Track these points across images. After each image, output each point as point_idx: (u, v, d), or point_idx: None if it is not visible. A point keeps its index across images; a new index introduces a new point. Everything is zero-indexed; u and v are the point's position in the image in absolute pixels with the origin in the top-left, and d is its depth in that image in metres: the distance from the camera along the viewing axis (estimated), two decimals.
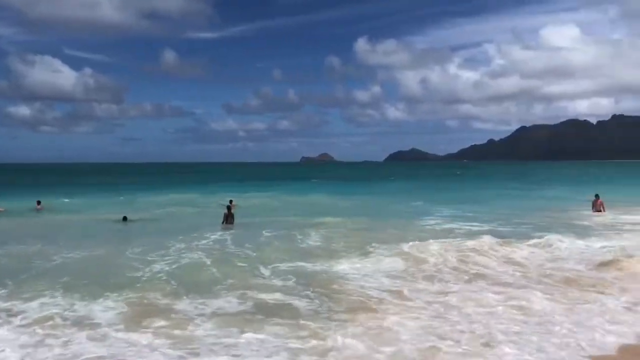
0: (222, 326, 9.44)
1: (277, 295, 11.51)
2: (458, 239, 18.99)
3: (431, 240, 18.06)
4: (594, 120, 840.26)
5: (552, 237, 19.14)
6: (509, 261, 15.73)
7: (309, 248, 18.23)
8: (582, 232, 21.86)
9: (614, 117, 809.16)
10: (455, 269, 14.58)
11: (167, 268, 14.58)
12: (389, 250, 16.88)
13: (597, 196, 30.94)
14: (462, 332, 9.08)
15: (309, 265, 14.78)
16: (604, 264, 14.86)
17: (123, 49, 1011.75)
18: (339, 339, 8.60)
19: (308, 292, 11.75)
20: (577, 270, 14.35)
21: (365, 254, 16.48)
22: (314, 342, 8.55)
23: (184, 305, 10.84)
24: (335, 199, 43.76)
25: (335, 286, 12.30)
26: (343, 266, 14.68)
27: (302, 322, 9.62)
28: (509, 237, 19.42)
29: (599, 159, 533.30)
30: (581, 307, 10.69)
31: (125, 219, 26.65)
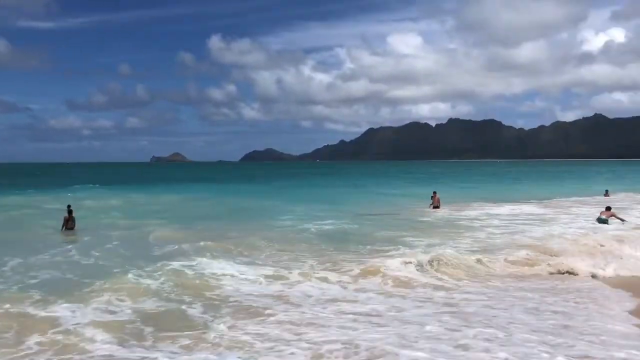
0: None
1: (151, 303, 10.84)
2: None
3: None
4: (433, 123, 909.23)
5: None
6: None
7: (164, 252, 17.40)
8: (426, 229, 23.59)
9: (450, 120, 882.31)
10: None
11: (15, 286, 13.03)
12: (247, 252, 16.81)
13: (434, 193, 33.65)
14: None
15: (166, 269, 14.00)
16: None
17: None
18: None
19: (184, 297, 11.27)
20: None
21: (219, 256, 16.17)
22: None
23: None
24: (188, 200, 42.69)
25: (203, 288, 11.90)
26: (203, 266, 14.19)
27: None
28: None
29: (438, 158, 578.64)
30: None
31: None
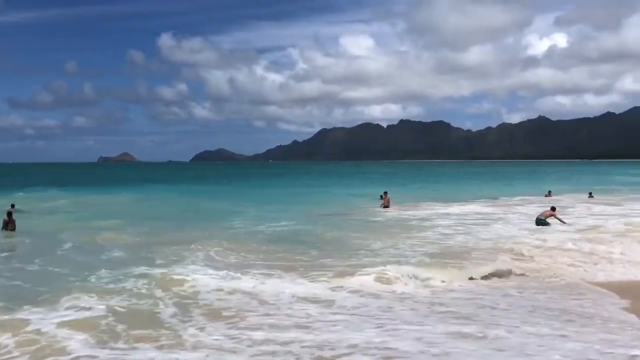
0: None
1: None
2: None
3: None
4: (385, 124, 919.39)
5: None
6: None
7: (115, 255, 16.96)
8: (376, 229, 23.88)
9: (401, 121, 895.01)
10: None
11: None
12: (200, 254, 16.63)
13: (385, 193, 34.17)
14: None
15: (121, 272, 13.63)
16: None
17: None
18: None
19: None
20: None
21: (175, 259, 15.90)
22: None
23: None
24: (138, 201, 41.81)
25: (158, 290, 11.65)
26: (159, 269, 13.88)
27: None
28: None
29: (390, 159, 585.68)
30: None
31: None
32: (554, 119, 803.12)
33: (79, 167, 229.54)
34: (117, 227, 23.77)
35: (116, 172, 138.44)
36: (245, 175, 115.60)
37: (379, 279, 13.23)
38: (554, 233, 21.36)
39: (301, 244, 19.23)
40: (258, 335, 9.11)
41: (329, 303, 11.31)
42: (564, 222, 24.20)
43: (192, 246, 17.89)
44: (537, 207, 30.93)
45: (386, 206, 32.93)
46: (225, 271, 13.93)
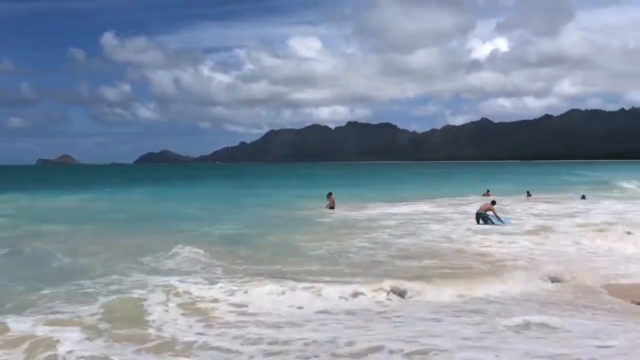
0: None
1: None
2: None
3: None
4: (333, 126, 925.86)
5: None
6: None
7: (62, 263, 16.24)
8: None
9: (349, 123, 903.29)
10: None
11: None
12: (148, 257, 16.17)
13: (330, 194, 34.40)
14: None
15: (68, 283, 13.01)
16: None
17: None
18: None
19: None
20: None
21: (127, 265, 15.39)
22: None
23: None
24: (80, 205, 40.39)
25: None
26: (112, 278, 13.35)
27: None
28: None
29: (338, 160, 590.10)
30: None
31: None
32: (495, 121, 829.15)
33: (15, 169, 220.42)
34: (57, 233, 22.74)
35: (56, 175, 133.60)
36: (190, 176, 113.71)
37: (317, 284, 13.18)
38: (492, 234, 22.00)
39: (247, 247, 18.97)
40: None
41: (270, 310, 11.15)
42: (499, 219, 25.06)
43: (138, 249, 17.42)
44: (478, 205, 31.74)
45: (331, 207, 33.08)
46: (168, 277, 13.63)
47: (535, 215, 29.51)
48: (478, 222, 24.98)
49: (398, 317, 10.55)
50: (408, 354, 8.12)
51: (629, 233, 20.49)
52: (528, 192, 44.03)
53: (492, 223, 24.74)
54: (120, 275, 13.66)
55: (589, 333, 9.21)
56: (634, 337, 8.98)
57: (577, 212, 30.67)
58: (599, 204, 35.13)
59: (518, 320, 9.86)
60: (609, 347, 8.47)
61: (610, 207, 32.84)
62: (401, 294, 12.19)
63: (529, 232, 22.13)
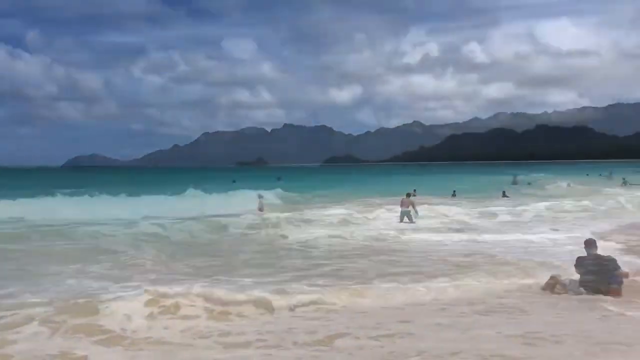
0: None
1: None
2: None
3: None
4: (269, 128, 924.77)
5: None
6: None
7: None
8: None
9: (285, 125, 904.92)
10: None
11: None
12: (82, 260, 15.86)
13: (259, 196, 34.94)
14: None
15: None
16: None
17: None
18: None
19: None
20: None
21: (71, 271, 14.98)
22: None
23: None
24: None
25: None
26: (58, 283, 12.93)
27: None
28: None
29: (273, 162, 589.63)
30: None
31: None
32: (427, 123, 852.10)
33: None
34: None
35: None
36: (122, 181, 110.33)
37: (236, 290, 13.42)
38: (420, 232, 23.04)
39: (179, 250, 19.03)
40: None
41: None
42: (416, 212, 26.85)
43: (71, 253, 17.17)
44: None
45: (260, 209, 33.29)
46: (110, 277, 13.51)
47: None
48: (402, 220, 26.42)
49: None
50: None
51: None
52: (454, 192, 45.71)
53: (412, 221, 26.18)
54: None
55: None
56: None
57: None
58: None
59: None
60: None
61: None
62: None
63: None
